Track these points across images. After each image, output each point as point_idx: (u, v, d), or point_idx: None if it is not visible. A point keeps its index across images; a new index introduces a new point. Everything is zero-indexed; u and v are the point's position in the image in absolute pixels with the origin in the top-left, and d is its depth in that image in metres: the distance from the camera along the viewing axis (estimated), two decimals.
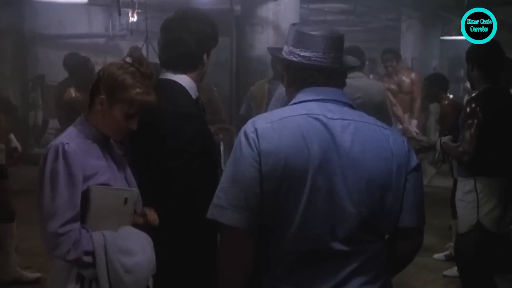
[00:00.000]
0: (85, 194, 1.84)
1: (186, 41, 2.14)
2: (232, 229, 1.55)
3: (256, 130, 1.58)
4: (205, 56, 2.21)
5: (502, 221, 3.18)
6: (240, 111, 5.02)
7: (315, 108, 1.63)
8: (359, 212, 1.56)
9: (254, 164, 1.54)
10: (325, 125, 1.59)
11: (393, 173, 1.60)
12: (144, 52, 7.73)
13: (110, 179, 1.91)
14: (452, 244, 4.40)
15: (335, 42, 1.70)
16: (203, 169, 2.09)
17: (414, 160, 1.67)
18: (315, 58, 1.67)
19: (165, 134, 2.07)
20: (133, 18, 8.46)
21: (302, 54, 1.68)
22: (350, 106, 1.69)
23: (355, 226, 1.57)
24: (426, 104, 6.58)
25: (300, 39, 1.69)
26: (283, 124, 1.58)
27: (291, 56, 1.71)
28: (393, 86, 6.40)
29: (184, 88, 2.17)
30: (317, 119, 1.60)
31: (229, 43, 6.48)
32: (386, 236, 1.72)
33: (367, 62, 6.32)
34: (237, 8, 6.62)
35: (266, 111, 4.21)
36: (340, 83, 1.73)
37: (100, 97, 1.91)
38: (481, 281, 3.27)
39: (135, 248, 1.91)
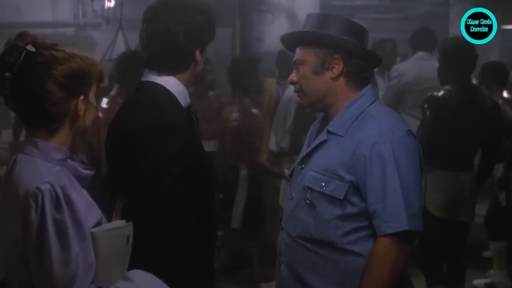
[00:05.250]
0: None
1: (172, 33, 2.13)
2: (415, 233, 2.05)
3: (410, 131, 2.12)
4: (197, 53, 2.20)
5: (445, 208, 4.04)
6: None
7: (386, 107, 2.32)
8: None
9: (421, 167, 2.14)
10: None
11: None
12: (119, 45, 7.79)
13: (99, 212, 1.87)
14: (493, 271, 5.03)
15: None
16: (189, 195, 2.08)
17: None
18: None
19: (142, 151, 2.05)
20: (110, 3, 8.52)
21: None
22: None
23: None
24: None
25: (354, 32, 2.14)
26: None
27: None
28: None
29: (170, 93, 2.16)
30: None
31: (231, 35, 6.50)
32: None
33: (398, 59, 6.24)
34: None
35: (274, 113, 4.77)
36: None
37: (79, 100, 1.82)
38: (426, 261, 4.22)
39: None
